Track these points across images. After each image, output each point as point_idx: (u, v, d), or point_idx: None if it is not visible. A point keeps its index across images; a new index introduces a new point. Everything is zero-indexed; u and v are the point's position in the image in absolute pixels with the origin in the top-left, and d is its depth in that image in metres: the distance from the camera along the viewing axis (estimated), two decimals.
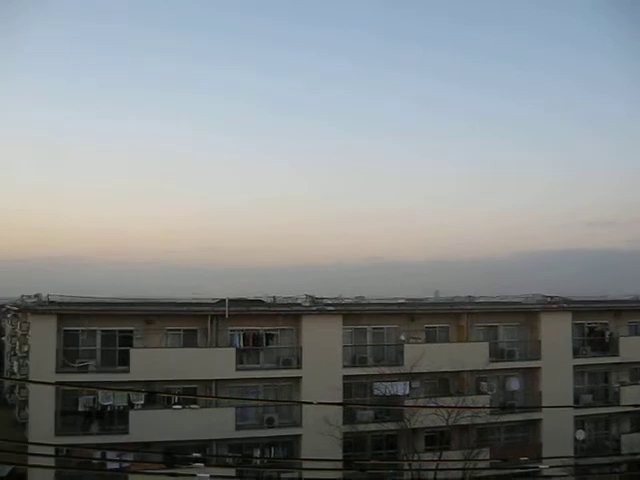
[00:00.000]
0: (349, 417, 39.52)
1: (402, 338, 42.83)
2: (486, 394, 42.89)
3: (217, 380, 39.11)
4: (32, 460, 24.40)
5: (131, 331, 39.31)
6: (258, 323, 41.01)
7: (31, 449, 23.99)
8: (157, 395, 37.95)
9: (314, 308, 42.18)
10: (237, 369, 39.14)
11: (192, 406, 38.62)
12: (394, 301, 48.74)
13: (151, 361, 37.76)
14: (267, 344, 41.13)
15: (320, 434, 35.37)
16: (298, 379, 40.22)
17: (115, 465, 35.56)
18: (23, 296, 58.84)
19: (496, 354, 44.25)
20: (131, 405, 38.03)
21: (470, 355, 41.17)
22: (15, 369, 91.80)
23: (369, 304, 47.84)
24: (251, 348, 40.77)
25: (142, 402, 38.30)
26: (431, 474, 34.33)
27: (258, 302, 44.74)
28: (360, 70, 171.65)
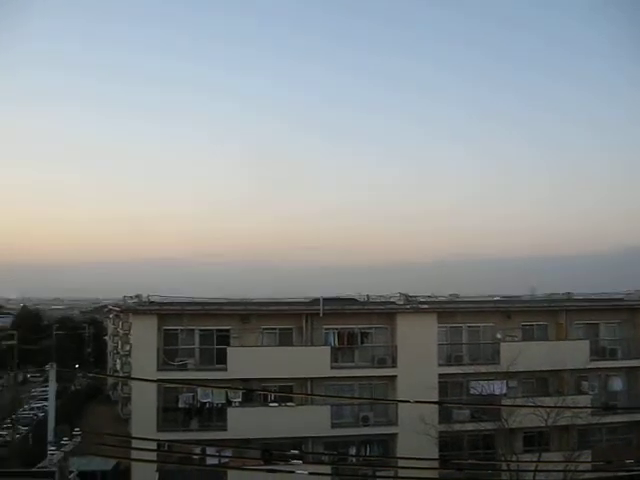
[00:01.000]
0: (445, 416, 39.13)
1: (498, 336, 42.17)
2: (587, 394, 41.78)
3: (312, 378, 39.44)
4: (135, 454, 25.27)
5: (228, 330, 40.10)
6: (352, 322, 41.12)
7: (134, 444, 24.84)
8: (254, 393, 38.55)
9: (408, 306, 42.00)
10: (332, 367, 39.37)
11: (288, 404, 39.12)
12: (489, 299, 48.03)
13: (248, 359, 38.46)
14: (362, 343, 41.21)
15: (416, 433, 35.15)
16: (393, 378, 40.14)
17: (214, 461, 36.38)
18: (125, 297, 60.77)
19: (597, 352, 43.04)
20: (229, 402, 38.84)
21: (570, 354, 40.07)
22: (118, 367, 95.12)
23: (464, 302, 47.32)
24: (346, 347, 40.91)
25: (239, 400, 39.05)
26: (530, 475, 33.62)
27: (352, 301, 44.90)
28: None
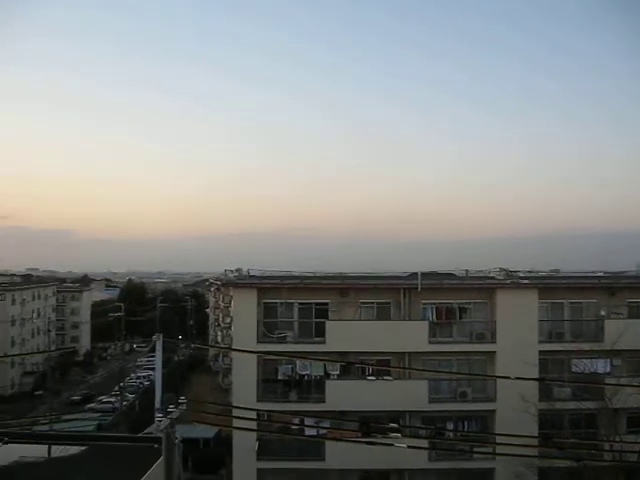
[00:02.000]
0: (545, 394, 38.40)
1: (602, 313, 40.93)
2: None
3: (410, 353, 39.41)
4: (236, 423, 25.96)
5: (326, 304, 40.44)
6: (451, 296, 40.78)
7: (235, 413, 25.49)
8: (352, 366, 38.85)
9: (508, 281, 41.32)
10: (430, 342, 39.22)
11: (386, 378, 39.24)
12: (592, 274, 46.67)
13: (346, 333, 38.75)
14: (460, 318, 40.86)
15: (515, 410, 34.69)
16: (492, 354, 39.65)
17: (312, 432, 36.93)
18: (226, 270, 62.20)
19: None
20: (327, 375, 39.32)
21: None
22: (219, 338, 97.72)
23: (566, 277, 46.13)
24: (444, 322, 40.65)
25: (337, 372, 39.48)
26: (634, 457, 32.73)
27: (450, 275, 44.49)
28: None
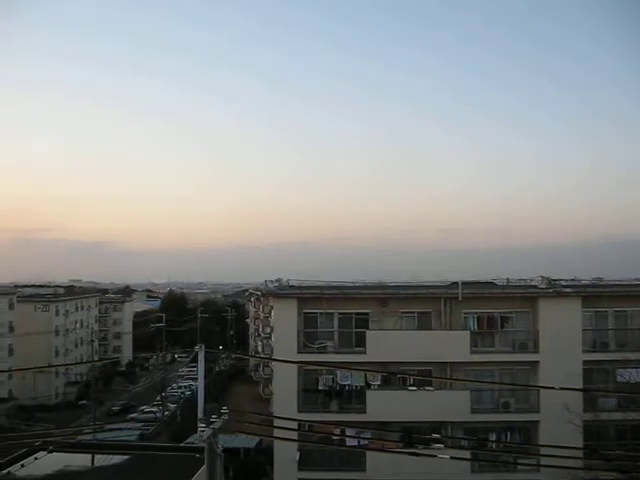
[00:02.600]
0: (590, 404, 37.76)
1: None
2: None
3: (452, 363, 39.10)
4: (277, 433, 25.92)
5: (367, 314, 40.33)
6: (492, 306, 40.38)
7: (276, 423, 25.51)
8: (393, 376, 38.66)
9: (551, 290, 40.78)
10: (471, 352, 38.86)
11: (427, 388, 38.96)
12: (637, 282, 45.86)
13: (386, 343, 38.62)
14: (502, 327, 40.42)
15: (559, 421, 34.17)
16: (535, 363, 39.15)
17: (354, 442, 36.76)
18: (266, 281, 62.43)
19: None
20: (368, 385, 39.19)
21: None
22: (259, 349, 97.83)
23: (609, 285, 45.40)
24: (485, 331, 40.25)
25: (378, 382, 39.32)
26: None
27: (490, 285, 44.10)
28: None
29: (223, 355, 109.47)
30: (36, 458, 29.89)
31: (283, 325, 40.54)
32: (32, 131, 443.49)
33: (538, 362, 38.94)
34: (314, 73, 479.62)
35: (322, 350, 39.59)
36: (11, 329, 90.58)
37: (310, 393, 39.61)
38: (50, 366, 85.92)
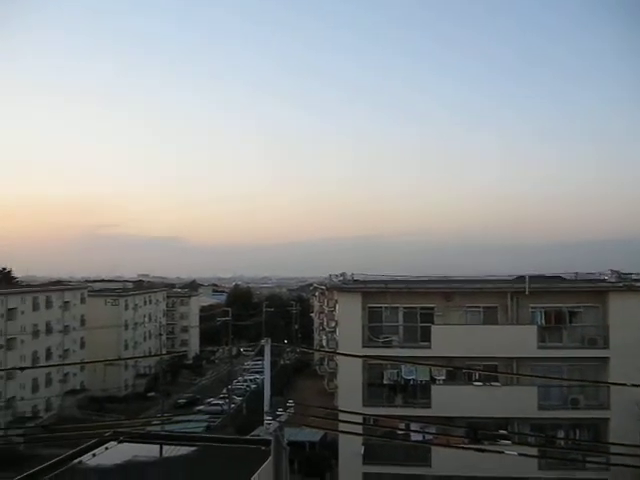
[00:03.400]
0: None
1: None
2: None
3: (518, 358, 38.52)
4: (342, 427, 25.99)
5: (432, 308, 40.05)
6: (560, 300, 39.61)
7: (341, 417, 25.55)
8: (458, 371, 38.32)
9: (621, 284, 39.77)
10: (539, 347, 38.17)
11: (493, 383, 38.47)
12: None
13: (452, 337, 38.30)
14: (570, 322, 39.62)
15: (630, 418, 33.39)
16: (605, 359, 38.22)
17: (419, 437, 36.61)
18: (330, 275, 62.62)
19: None
20: (433, 380, 38.93)
21: None
22: (324, 342, 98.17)
23: None
24: (553, 326, 39.50)
25: (443, 377, 39.01)
26: None
27: (558, 279, 43.30)
28: None
29: (288, 349, 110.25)
30: (107, 448, 30.58)
31: (348, 319, 40.59)
32: (101, 130, 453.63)
33: (608, 358, 38.01)
34: (387, 79, 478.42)
35: (387, 344, 39.49)
36: (82, 323, 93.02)
37: (375, 387, 39.56)
38: (120, 359, 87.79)
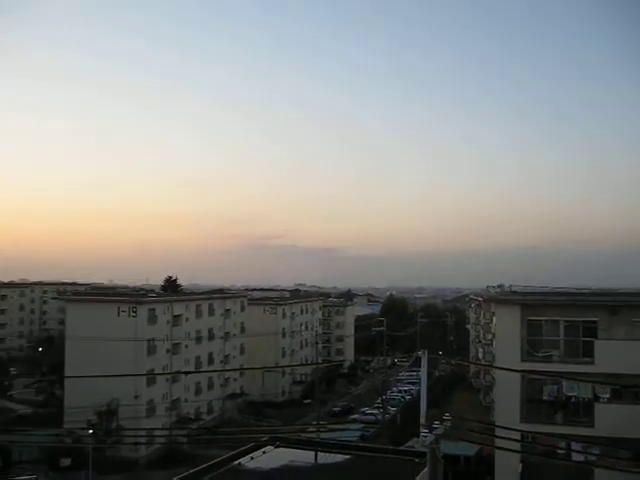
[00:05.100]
0: None
1: None
2: None
3: None
4: (499, 443, 25.26)
5: (595, 322, 38.22)
6: None
7: (497, 432, 24.86)
8: (625, 389, 36.35)
9: None
10: None
11: None
12: None
13: (618, 353, 36.36)
14: None
15: None
16: None
17: (580, 457, 35.04)
18: (487, 286, 61.54)
19: None
20: (596, 397, 37.16)
21: None
22: (480, 355, 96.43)
23: None
24: None
25: (608, 395, 37.15)
26: None
27: None
28: None
29: (443, 361, 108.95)
30: (264, 452, 31.33)
31: (505, 332, 39.58)
32: (266, 149, 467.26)
33: None
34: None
35: (546, 359, 38.11)
36: (242, 330, 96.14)
37: (533, 403, 38.28)
38: (278, 367, 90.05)
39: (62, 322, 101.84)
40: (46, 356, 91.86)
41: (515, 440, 27.54)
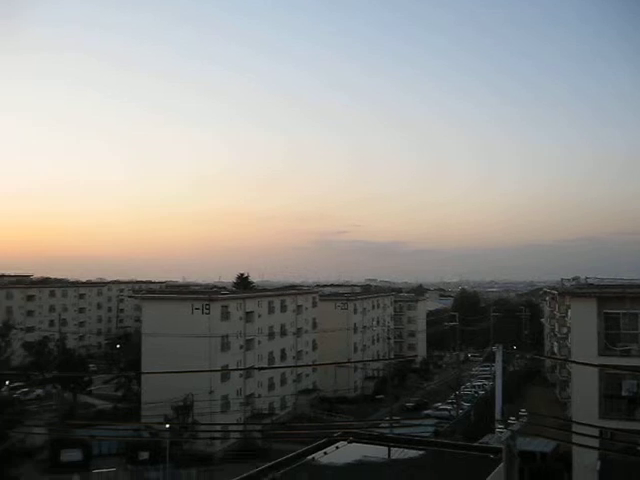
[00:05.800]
0: None
1: None
2: None
3: None
4: (576, 439, 24.82)
5: None
6: None
7: (575, 428, 24.43)
8: None
9: None
10: None
11: None
12: None
13: None
14: None
15: None
16: None
17: None
18: (562, 279, 60.44)
19: None
20: None
21: None
22: (555, 349, 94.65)
23: None
24: None
25: None
26: None
27: None
28: None
29: (517, 355, 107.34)
30: (337, 447, 31.39)
31: (581, 326, 38.79)
32: (329, 146, 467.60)
33: None
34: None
35: (624, 353, 37.21)
36: (314, 325, 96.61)
37: (612, 399, 37.42)
38: (350, 362, 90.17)
39: (138, 319, 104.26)
40: (123, 353, 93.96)
41: (593, 437, 27.01)
